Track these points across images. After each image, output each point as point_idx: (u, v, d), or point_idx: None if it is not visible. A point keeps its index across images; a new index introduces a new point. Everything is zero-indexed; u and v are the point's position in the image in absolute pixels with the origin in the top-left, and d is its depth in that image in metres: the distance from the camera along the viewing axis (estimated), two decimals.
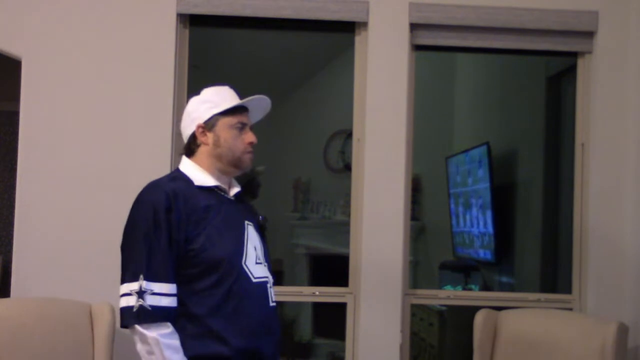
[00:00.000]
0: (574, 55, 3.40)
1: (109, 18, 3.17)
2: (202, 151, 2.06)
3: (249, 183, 4.43)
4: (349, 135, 3.86)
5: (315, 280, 5.72)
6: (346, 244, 3.36)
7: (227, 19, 3.28)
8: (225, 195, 2.07)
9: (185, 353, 1.88)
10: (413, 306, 3.36)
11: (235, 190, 2.12)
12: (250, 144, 2.06)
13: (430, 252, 5.29)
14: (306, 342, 5.61)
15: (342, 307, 3.28)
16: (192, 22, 3.28)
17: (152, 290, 1.86)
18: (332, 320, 3.85)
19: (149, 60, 3.17)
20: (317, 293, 3.48)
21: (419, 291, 3.41)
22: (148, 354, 1.85)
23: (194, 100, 2.09)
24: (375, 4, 3.24)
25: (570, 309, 3.31)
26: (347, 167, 5.12)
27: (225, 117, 2.04)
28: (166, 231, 1.89)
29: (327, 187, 6.01)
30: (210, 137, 2.04)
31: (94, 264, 3.05)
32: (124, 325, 1.90)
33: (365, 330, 3.20)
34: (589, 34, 3.31)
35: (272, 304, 2.06)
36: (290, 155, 6.17)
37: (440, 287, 4.59)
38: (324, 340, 5.56)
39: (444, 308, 4.47)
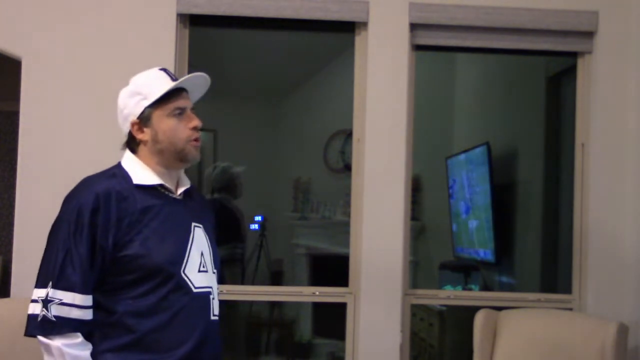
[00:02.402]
0: (574, 55, 3.40)
1: (109, 18, 3.17)
2: (142, 148, 1.87)
3: (228, 183, 4.46)
4: (349, 135, 3.86)
5: (315, 280, 5.72)
6: (346, 244, 3.35)
7: (227, 19, 3.27)
8: (171, 195, 1.88)
9: None
10: (413, 306, 3.35)
11: (183, 187, 1.91)
12: (195, 128, 1.85)
13: (430, 252, 5.29)
14: (306, 342, 5.61)
15: (342, 307, 3.28)
16: (192, 22, 3.28)
17: (60, 300, 1.69)
18: (332, 320, 3.85)
19: (149, 60, 3.15)
20: (317, 293, 3.48)
21: (419, 291, 3.40)
22: None
23: (123, 93, 1.91)
24: (375, 4, 3.24)
25: (570, 309, 3.31)
26: (347, 167, 5.13)
27: (158, 107, 1.84)
28: (89, 237, 1.72)
29: (327, 187, 6.01)
30: (147, 132, 1.85)
31: None
32: (26, 333, 1.73)
33: (365, 330, 3.20)
34: (589, 34, 3.31)
35: (213, 318, 1.87)
36: (290, 155, 6.18)
37: (440, 287, 4.59)
38: (324, 340, 5.56)
39: (444, 308, 4.47)
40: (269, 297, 4.07)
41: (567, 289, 3.39)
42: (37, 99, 3.13)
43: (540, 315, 3.14)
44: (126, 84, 1.83)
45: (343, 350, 3.31)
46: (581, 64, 3.38)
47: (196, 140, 1.87)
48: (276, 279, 5.73)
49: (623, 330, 2.81)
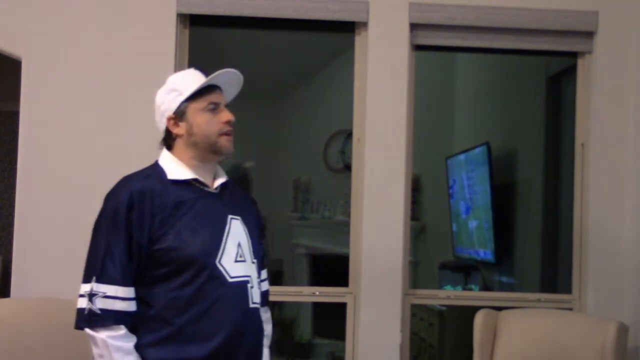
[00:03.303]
0: (574, 55, 3.40)
1: (109, 18, 3.17)
2: (178, 143, 1.96)
3: (241, 180, 4.47)
4: (349, 135, 3.86)
5: (315, 280, 5.71)
6: (346, 244, 3.36)
7: (227, 19, 3.28)
8: (206, 189, 1.95)
9: (152, 358, 1.82)
10: (413, 306, 3.36)
11: (219, 181, 1.99)
12: (228, 122, 1.95)
13: (430, 252, 5.29)
14: (306, 342, 5.61)
15: (342, 307, 3.28)
16: (192, 22, 3.28)
17: (104, 293, 1.79)
18: (332, 320, 3.85)
19: (149, 60, 3.17)
20: (317, 293, 3.48)
21: (419, 291, 3.41)
22: (99, 357, 1.80)
23: (160, 91, 1.99)
24: (375, 4, 3.24)
25: (570, 309, 3.31)
26: (347, 167, 5.12)
27: (193, 102, 1.93)
28: (125, 232, 1.82)
29: (327, 187, 6.01)
30: (183, 126, 1.94)
31: None
32: (75, 326, 1.84)
33: (365, 330, 3.20)
34: (589, 34, 3.31)
35: (252, 305, 1.93)
36: (290, 155, 6.17)
37: (440, 287, 4.59)
38: (324, 340, 5.56)
39: (444, 308, 4.47)
40: (269, 297, 4.06)
41: (567, 289, 3.39)
42: (37, 99, 3.14)
43: (540, 315, 3.14)
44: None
45: (343, 350, 3.31)
46: (581, 64, 3.39)
47: (228, 133, 1.96)
48: (276, 279, 5.72)
49: (623, 330, 2.81)
